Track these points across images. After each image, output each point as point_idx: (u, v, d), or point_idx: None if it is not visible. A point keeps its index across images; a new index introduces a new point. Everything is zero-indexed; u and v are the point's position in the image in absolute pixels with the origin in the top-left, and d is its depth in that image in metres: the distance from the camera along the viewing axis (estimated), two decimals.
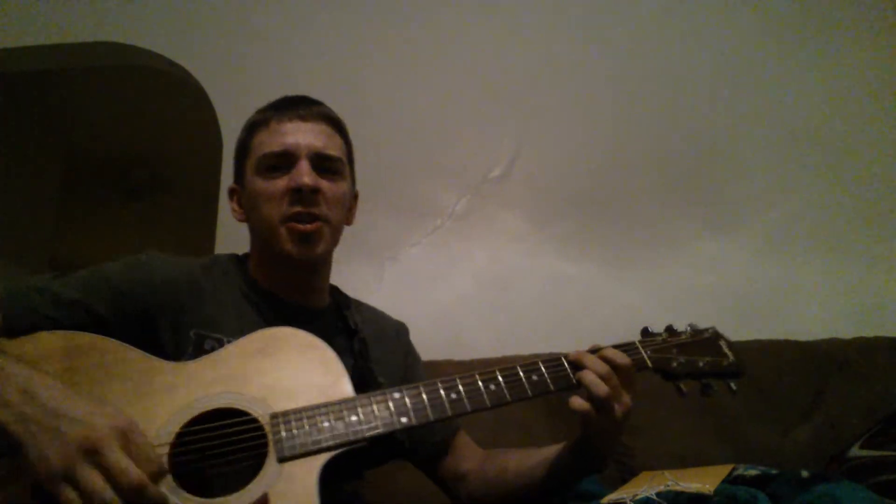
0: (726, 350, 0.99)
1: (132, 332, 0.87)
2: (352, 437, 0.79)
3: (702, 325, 1.03)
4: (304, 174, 0.97)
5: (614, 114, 2.03)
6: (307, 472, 0.75)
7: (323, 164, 1.00)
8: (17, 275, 3.07)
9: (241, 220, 1.08)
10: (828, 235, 1.99)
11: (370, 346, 1.06)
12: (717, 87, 2.07)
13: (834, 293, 1.93)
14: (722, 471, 1.26)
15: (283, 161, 0.99)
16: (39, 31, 2.02)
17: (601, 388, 0.87)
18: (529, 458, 1.00)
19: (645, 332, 1.01)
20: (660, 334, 1.00)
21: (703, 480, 1.19)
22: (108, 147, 3.86)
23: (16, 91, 3.13)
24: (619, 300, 1.92)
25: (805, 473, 1.09)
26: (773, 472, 1.20)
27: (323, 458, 0.77)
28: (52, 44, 2.04)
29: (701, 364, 0.96)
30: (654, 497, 1.04)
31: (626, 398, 0.90)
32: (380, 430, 0.80)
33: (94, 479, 0.63)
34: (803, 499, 1.01)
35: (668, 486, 1.10)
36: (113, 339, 0.84)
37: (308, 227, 0.97)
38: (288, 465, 0.76)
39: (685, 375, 0.95)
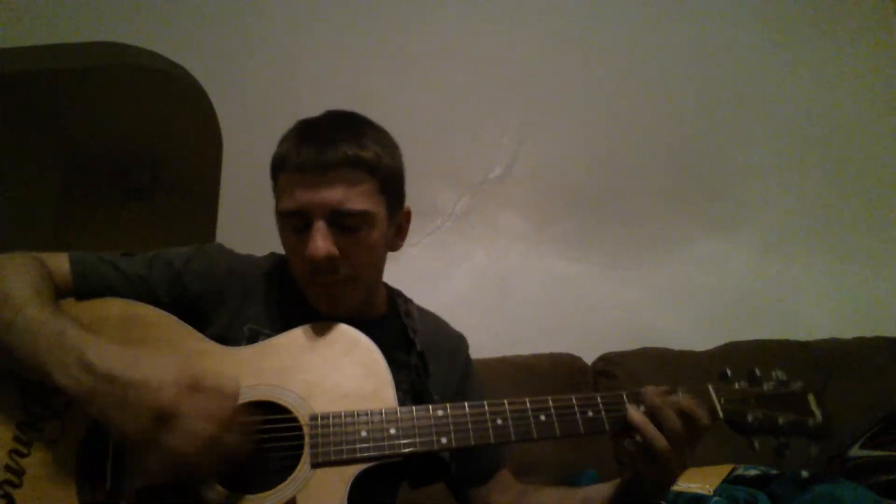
0: (814, 408, 0.89)
1: (185, 316, 0.87)
2: (388, 452, 0.77)
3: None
4: (318, 243, 0.85)
5: (614, 114, 2.03)
6: (338, 481, 0.75)
7: (343, 221, 0.88)
8: None
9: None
10: (828, 235, 1.99)
11: (428, 361, 1.00)
12: (717, 87, 2.07)
13: (834, 293, 1.93)
14: (722, 471, 1.26)
15: (299, 221, 0.88)
16: (39, 31, 2.02)
17: (661, 444, 0.79)
18: (567, 499, 0.95)
19: (723, 375, 0.91)
20: (738, 381, 0.90)
21: (703, 480, 1.19)
22: (108, 147, 3.86)
23: (16, 91, 3.12)
24: (619, 300, 1.92)
25: (805, 473, 1.09)
26: (773, 472, 1.20)
27: (356, 469, 0.76)
28: (52, 44, 2.03)
29: (781, 421, 0.86)
30: None
31: (686, 455, 0.81)
32: (417, 449, 0.78)
33: (174, 445, 0.66)
34: (803, 499, 1.01)
35: None
36: (170, 315, 0.84)
37: (333, 289, 0.90)
38: (320, 471, 0.75)
39: (759, 431, 0.86)
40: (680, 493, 1.12)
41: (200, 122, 2.16)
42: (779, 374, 0.91)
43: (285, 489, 0.74)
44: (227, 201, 1.92)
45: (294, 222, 0.88)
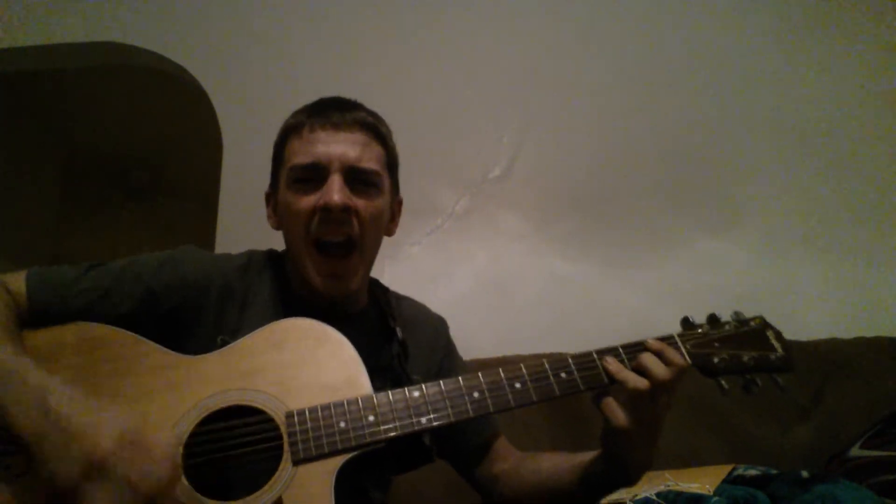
0: (774, 342, 0.91)
1: (158, 329, 0.86)
2: (369, 440, 0.76)
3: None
4: (335, 191, 0.88)
5: (614, 114, 2.03)
6: (322, 476, 0.74)
7: (357, 178, 0.92)
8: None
9: (275, 228, 1.01)
10: (828, 235, 1.99)
11: (409, 348, 1.01)
12: (717, 87, 2.07)
13: (834, 293, 1.93)
14: (722, 471, 1.26)
15: (314, 174, 0.90)
16: (39, 31, 2.02)
17: (641, 384, 0.80)
18: (563, 463, 0.96)
19: (685, 322, 0.92)
20: (701, 325, 0.92)
21: (703, 480, 1.19)
22: (108, 147, 3.86)
23: (16, 91, 3.13)
24: (618, 300, 1.92)
25: (805, 473, 1.09)
26: (773, 472, 1.20)
27: (339, 461, 0.75)
28: (52, 44, 2.04)
29: (745, 358, 0.87)
30: (654, 497, 1.04)
31: (670, 396, 0.82)
32: (398, 432, 0.77)
33: (98, 499, 0.63)
34: (803, 499, 1.01)
35: (668, 485, 1.10)
36: (127, 332, 0.83)
37: (340, 262, 0.91)
38: (303, 468, 0.74)
39: (727, 371, 0.87)
40: (680, 493, 1.11)
41: (200, 122, 2.16)
42: (737, 311, 0.94)
43: (269, 491, 0.72)
44: (227, 201, 1.92)
45: (308, 175, 0.91)
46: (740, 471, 1.25)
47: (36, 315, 0.83)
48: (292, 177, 0.93)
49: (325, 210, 0.89)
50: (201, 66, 1.98)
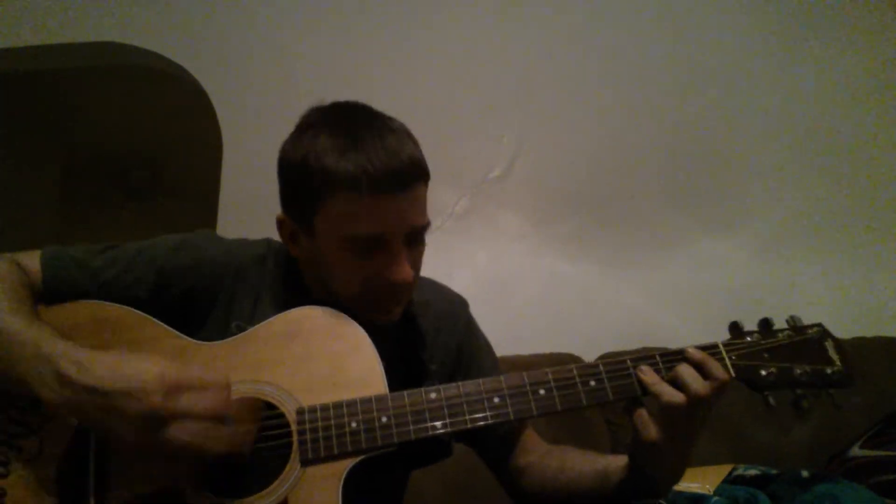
0: (833, 354, 0.83)
1: (172, 312, 0.84)
2: (381, 443, 0.73)
3: (806, 320, 0.87)
4: (406, 270, 0.82)
5: (615, 114, 2.03)
6: (330, 478, 0.72)
7: (417, 237, 0.86)
8: None
9: (296, 256, 0.93)
10: (828, 235, 1.99)
11: (426, 334, 0.97)
12: (717, 87, 2.07)
13: (834, 293, 1.93)
14: (722, 471, 1.26)
15: (376, 243, 0.81)
16: (39, 31, 2.02)
17: (677, 399, 0.74)
18: (587, 467, 0.91)
19: (734, 328, 0.85)
20: (751, 333, 0.85)
21: (703, 480, 1.19)
22: (108, 147, 3.85)
23: (16, 91, 3.12)
24: (618, 300, 1.92)
25: (805, 473, 1.09)
26: (773, 472, 1.20)
27: (348, 464, 0.73)
28: (52, 44, 2.04)
29: (798, 372, 0.81)
30: None
31: (707, 411, 0.77)
32: (411, 437, 0.74)
33: (176, 445, 0.65)
34: (803, 499, 1.00)
35: None
36: (140, 314, 0.81)
37: (391, 317, 0.87)
38: (311, 469, 0.72)
39: (776, 386, 0.80)
40: (680, 493, 1.11)
41: (200, 122, 2.16)
42: (793, 316, 0.86)
43: (275, 490, 0.71)
44: (227, 201, 1.92)
45: (369, 245, 0.81)
46: (740, 471, 1.25)
47: (50, 293, 0.83)
48: (349, 245, 0.82)
49: (393, 286, 0.82)
50: (201, 66, 1.98)
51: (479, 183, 1.95)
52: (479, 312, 1.06)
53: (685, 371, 0.77)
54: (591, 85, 2.04)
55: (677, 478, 0.82)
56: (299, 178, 0.83)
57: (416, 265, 0.87)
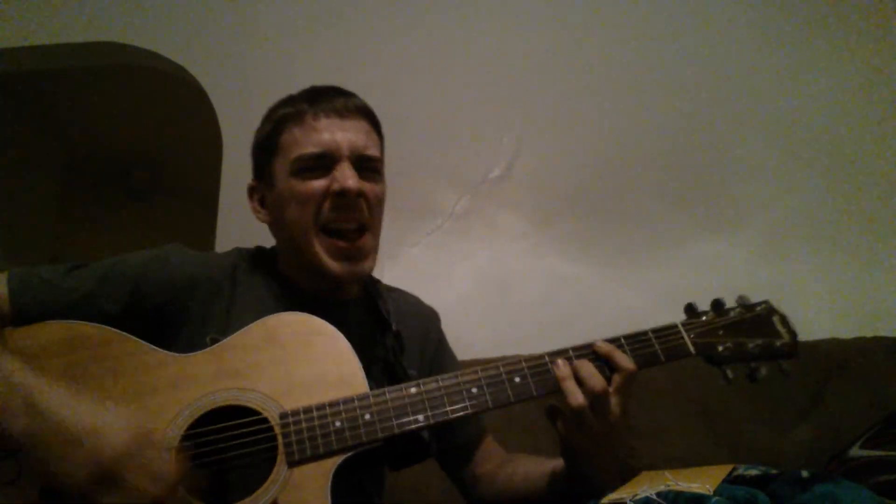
0: (780, 327, 0.87)
1: (145, 328, 0.84)
2: (365, 439, 0.75)
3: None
4: (349, 177, 0.88)
5: (614, 114, 2.03)
6: (318, 478, 0.72)
7: (364, 165, 0.92)
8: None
9: (263, 221, 1.00)
10: (828, 235, 1.99)
11: (403, 340, 0.99)
12: (717, 87, 2.07)
13: (834, 293, 1.93)
14: (722, 471, 1.25)
15: (321, 162, 0.90)
16: (39, 31, 2.02)
17: (576, 402, 0.75)
18: (534, 471, 0.94)
19: (689, 310, 0.91)
20: (705, 312, 0.90)
21: (703, 480, 1.19)
22: (108, 147, 3.86)
23: (16, 91, 3.13)
24: (618, 300, 1.92)
25: (805, 473, 1.08)
26: (773, 472, 1.20)
27: (335, 461, 0.73)
28: (52, 44, 2.04)
29: (751, 346, 0.85)
30: (654, 497, 1.04)
31: (615, 406, 0.77)
32: (395, 431, 0.76)
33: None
34: (803, 499, 1.00)
35: (668, 486, 1.09)
36: (115, 331, 0.81)
37: (354, 244, 0.90)
38: (298, 470, 0.73)
39: (732, 360, 0.85)
40: (680, 493, 1.11)
41: (200, 122, 2.16)
42: (742, 296, 0.91)
43: (263, 494, 0.71)
44: (227, 201, 1.92)
45: (316, 164, 0.90)
46: (740, 471, 1.25)
47: (20, 315, 0.82)
48: (297, 166, 0.91)
49: (340, 195, 0.88)
50: (201, 66, 1.98)
51: (479, 183, 1.95)
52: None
53: (584, 368, 0.78)
54: (591, 85, 2.04)
55: (617, 474, 0.82)
56: (262, 138, 0.97)
57: (371, 196, 0.92)
